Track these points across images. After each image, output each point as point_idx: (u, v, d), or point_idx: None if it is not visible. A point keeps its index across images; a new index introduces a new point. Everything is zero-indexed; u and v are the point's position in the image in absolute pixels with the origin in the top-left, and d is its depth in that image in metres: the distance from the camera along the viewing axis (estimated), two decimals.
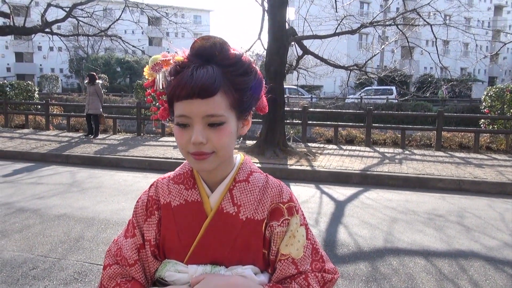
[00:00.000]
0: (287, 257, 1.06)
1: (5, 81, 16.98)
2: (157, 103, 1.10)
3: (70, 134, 12.60)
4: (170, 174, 1.17)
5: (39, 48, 49.56)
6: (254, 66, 1.03)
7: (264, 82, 1.08)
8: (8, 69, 52.87)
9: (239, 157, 1.15)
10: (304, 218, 1.14)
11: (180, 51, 1.05)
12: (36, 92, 16.82)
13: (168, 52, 1.08)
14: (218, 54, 0.98)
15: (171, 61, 1.03)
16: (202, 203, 1.08)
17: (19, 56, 54.17)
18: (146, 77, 1.09)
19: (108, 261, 1.13)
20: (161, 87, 1.05)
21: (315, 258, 1.10)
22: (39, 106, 15.31)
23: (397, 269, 3.80)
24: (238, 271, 1.04)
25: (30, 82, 17.10)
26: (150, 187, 1.17)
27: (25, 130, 13.43)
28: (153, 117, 1.14)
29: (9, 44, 48.44)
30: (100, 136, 12.24)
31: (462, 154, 9.98)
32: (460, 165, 8.41)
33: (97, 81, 11.90)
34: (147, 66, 1.09)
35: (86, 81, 12.29)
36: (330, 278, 1.09)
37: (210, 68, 0.95)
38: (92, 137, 11.71)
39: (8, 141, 10.81)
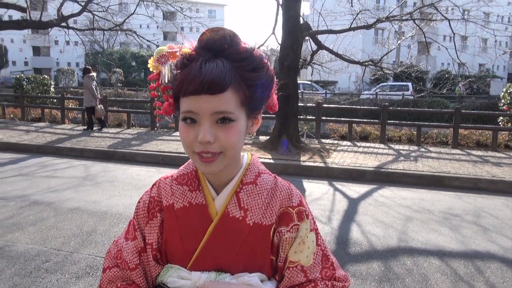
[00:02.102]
0: (296, 265, 1.01)
1: (22, 75, 17.18)
2: (162, 98, 1.05)
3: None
4: (173, 173, 1.12)
5: (56, 42, 50.17)
6: (266, 61, 0.97)
7: (275, 80, 1.01)
8: (26, 63, 53.68)
9: (246, 156, 1.10)
10: (314, 222, 1.08)
11: (187, 43, 0.99)
12: (52, 86, 17.00)
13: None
14: (228, 48, 0.92)
15: (178, 53, 0.98)
16: (206, 206, 1.03)
17: (37, 50, 54.90)
18: (151, 69, 1.03)
19: (108, 264, 1.09)
20: (166, 81, 0.99)
21: (325, 265, 1.05)
22: (55, 100, 15.47)
23: (411, 269, 3.73)
24: (245, 279, 0.99)
25: (46, 76, 17.30)
26: (152, 187, 1.12)
27: (41, 124, 13.60)
28: (157, 112, 1.09)
29: (27, 38, 49.09)
30: (114, 130, 12.34)
31: (479, 152, 9.78)
32: (477, 164, 8.24)
33: (90, 74, 12.00)
34: (151, 57, 1.03)
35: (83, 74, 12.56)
36: (340, 286, 1.04)
37: (220, 62, 0.89)
38: (90, 130, 11.93)
39: (24, 134, 10.95)
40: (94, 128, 12.19)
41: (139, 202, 1.11)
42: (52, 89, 16.79)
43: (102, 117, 12.34)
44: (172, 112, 1.03)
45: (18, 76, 17.35)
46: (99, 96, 12.10)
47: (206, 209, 1.02)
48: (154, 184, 1.12)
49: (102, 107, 12.24)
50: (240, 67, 0.92)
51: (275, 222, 1.02)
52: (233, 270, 1.01)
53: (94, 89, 11.89)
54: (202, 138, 0.89)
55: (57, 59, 53.51)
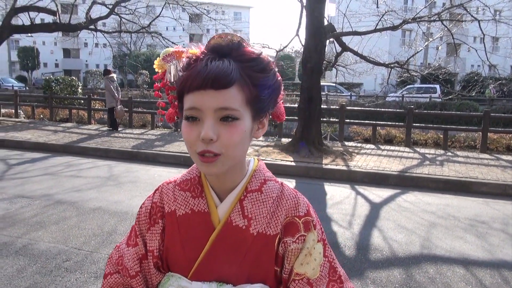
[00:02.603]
0: (302, 277, 0.96)
1: (51, 76, 17.67)
2: (165, 98, 1.02)
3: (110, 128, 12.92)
4: (177, 178, 1.08)
5: (85, 44, 51.44)
6: (273, 66, 0.95)
7: (282, 87, 0.98)
8: (57, 65, 55.19)
9: (252, 162, 1.06)
10: (323, 233, 1.03)
11: (194, 45, 0.96)
12: (80, 87, 17.40)
13: None
14: (235, 51, 0.90)
15: (184, 54, 0.95)
16: (209, 213, 0.99)
17: (67, 52, 56.38)
18: (156, 69, 1.00)
19: (109, 270, 1.07)
20: (172, 80, 0.97)
21: (332, 277, 1.00)
22: (82, 101, 15.82)
23: (434, 278, 3.61)
24: None
25: (74, 78, 17.71)
26: (155, 192, 1.09)
27: (68, 124, 13.92)
28: (159, 112, 1.06)
29: (57, 40, 50.45)
30: (138, 131, 12.52)
31: (509, 157, 9.44)
32: (507, 169, 7.95)
33: (110, 75, 12.30)
34: (158, 58, 1.01)
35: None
36: None
37: (226, 60, 0.88)
38: (112, 130, 12.24)
39: (52, 134, 11.23)
40: (118, 129, 12.41)
41: (141, 207, 1.08)
42: (79, 90, 17.19)
43: (121, 118, 12.66)
44: (176, 115, 0.99)
45: (47, 77, 17.84)
46: (119, 97, 12.34)
47: (208, 217, 0.99)
48: (156, 189, 1.09)
49: (123, 108, 12.49)
50: (247, 67, 0.89)
51: (280, 232, 0.97)
52: (234, 281, 0.97)
53: (115, 90, 12.17)
54: (204, 134, 0.86)
55: (86, 61, 54.87)
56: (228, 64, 0.87)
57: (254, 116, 0.93)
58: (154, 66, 1.00)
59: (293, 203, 1.00)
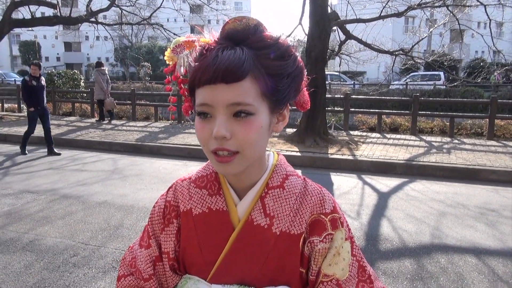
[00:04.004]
0: (331, 279, 0.90)
1: (53, 70, 17.61)
2: (178, 92, 0.95)
3: (114, 121, 12.89)
4: (191, 175, 1.02)
5: (86, 37, 51.22)
6: (294, 51, 0.87)
7: (305, 72, 0.90)
8: (58, 59, 55.06)
9: (272, 156, 0.99)
10: (350, 230, 0.96)
11: (207, 33, 0.89)
12: (82, 81, 17.35)
13: None
14: (251, 37, 0.83)
15: (196, 43, 0.87)
16: (228, 213, 0.93)
17: (68, 46, 56.22)
18: (167, 61, 0.93)
19: (123, 272, 1.02)
20: (182, 72, 0.89)
21: (361, 278, 0.94)
22: (85, 94, 15.77)
23: (445, 268, 3.56)
24: None
25: (76, 71, 17.66)
26: (168, 190, 1.03)
27: (72, 118, 13.89)
28: (170, 109, 1.00)
29: (59, 34, 50.27)
30: (142, 123, 12.48)
31: None
32: None
33: (101, 68, 12.57)
34: (168, 49, 0.93)
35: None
36: None
37: (239, 49, 0.80)
38: (102, 121, 12.60)
39: (55, 128, 11.18)
40: (105, 121, 12.72)
41: (154, 207, 1.02)
42: (82, 83, 17.14)
43: (112, 109, 12.89)
44: (190, 109, 0.93)
45: (49, 71, 17.78)
46: (109, 89, 12.66)
47: (227, 216, 0.93)
48: (170, 187, 1.03)
49: (112, 100, 12.72)
50: (262, 54, 0.82)
51: (305, 231, 0.91)
52: (257, 284, 0.91)
53: (105, 82, 12.44)
54: (216, 132, 0.80)
55: (88, 54, 54.68)
56: (241, 53, 0.79)
57: (272, 109, 0.86)
58: (165, 58, 0.93)
59: (318, 200, 0.94)
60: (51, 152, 8.33)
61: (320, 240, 0.90)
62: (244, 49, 0.81)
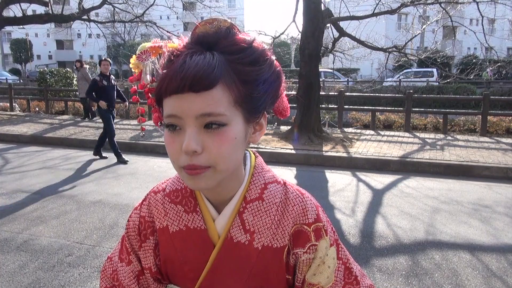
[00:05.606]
0: (316, 287, 0.90)
1: (45, 68, 17.47)
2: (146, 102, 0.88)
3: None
4: (166, 184, 0.96)
5: (79, 35, 50.87)
6: (269, 55, 0.80)
7: (283, 77, 0.83)
8: (50, 57, 54.67)
9: (248, 160, 0.92)
10: (334, 233, 0.93)
11: (175, 38, 0.82)
12: (75, 79, 17.23)
13: None
14: (223, 40, 0.76)
15: (164, 49, 0.80)
16: (206, 230, 0.88)
17: (60, 44, 55.81)
18: (132, 69, 0.86)
19: (105, 284, 0.99)
20: (149, 80, 0.83)
21: (347, 280, 0.93)
22: (78, 93, 15.66)
23: (440, 264, 3.59)
24: None
25: (69, 69, 17.54)
26: (142, 204, 0.97)
27: (65, 116, 13.79)
28: (139, 120, 0.95)
29: (50, 32, 49.87)
30: (135, 122, 12.40)
31: (509, 140, 9.41)
32: (508, 152, 7.93)
33: (84, 66, 12.75)
34: (133, 56, 0.87)
35: (75, 67, 13.34)
36: None
37: (209, 54, 0.74)
38: (87, 119, 12.66)
39: (48, 127, 11.11)
40: (90, 118, 12.90)
41: (128, 221, 0.97)
42: (74, 82, 17.02)
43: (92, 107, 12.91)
44: (160, 120, 0.84)
45: (42, 69, 17.64)
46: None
47: (206, 234, 0.88)
48: (144, 200, 0.97)
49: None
50: (235, 60, 0.75)
51: (288, 243, 0.88)
52: None
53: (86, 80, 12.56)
54: (186, 146, 0.73)
55: (80, 52, 54.27)
56: (211, 58, 0.73)
57: (248, 118, 0.79)
58: (130, 65, 0.87)
59: (300, 209, 0.89)
60: (118, 157, 7.71)
61: (304, 251, 0.88)
62: (215, 54, 0.74)
